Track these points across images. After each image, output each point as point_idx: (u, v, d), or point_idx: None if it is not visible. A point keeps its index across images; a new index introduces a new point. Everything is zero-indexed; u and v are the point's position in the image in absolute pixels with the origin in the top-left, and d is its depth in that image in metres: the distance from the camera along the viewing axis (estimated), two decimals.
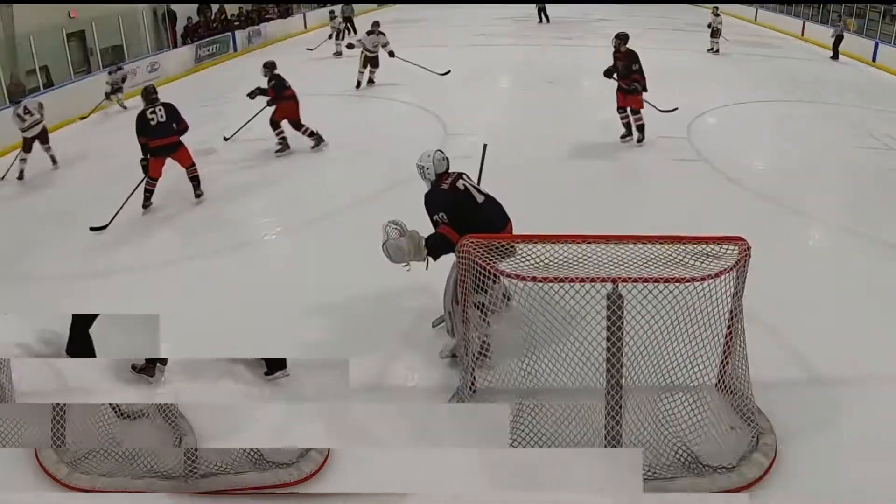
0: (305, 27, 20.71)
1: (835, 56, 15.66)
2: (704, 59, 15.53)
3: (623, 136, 8.86)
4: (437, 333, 4.68)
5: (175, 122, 6.91)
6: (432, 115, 10.25)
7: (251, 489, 3.41)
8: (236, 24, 17.65)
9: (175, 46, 15.32)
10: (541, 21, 21.50)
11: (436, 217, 4.22)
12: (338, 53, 15.87)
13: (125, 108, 11.50)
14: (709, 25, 16.28)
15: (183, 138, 7.02)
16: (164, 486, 3.42)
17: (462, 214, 4.20)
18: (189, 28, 15.94)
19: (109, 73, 11.62)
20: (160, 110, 6.82)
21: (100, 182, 8.05)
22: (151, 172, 6.91)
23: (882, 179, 7.73)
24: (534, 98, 11.49)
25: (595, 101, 10.78)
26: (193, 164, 7.17)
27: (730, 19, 23.87)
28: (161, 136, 6.80)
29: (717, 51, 16.11)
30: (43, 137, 8.39)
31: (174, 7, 15.66)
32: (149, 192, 6.98)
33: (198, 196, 7.20)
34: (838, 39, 15.61)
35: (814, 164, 8.25)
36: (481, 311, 3.88)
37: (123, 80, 11.76)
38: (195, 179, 7.20)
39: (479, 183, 4.74)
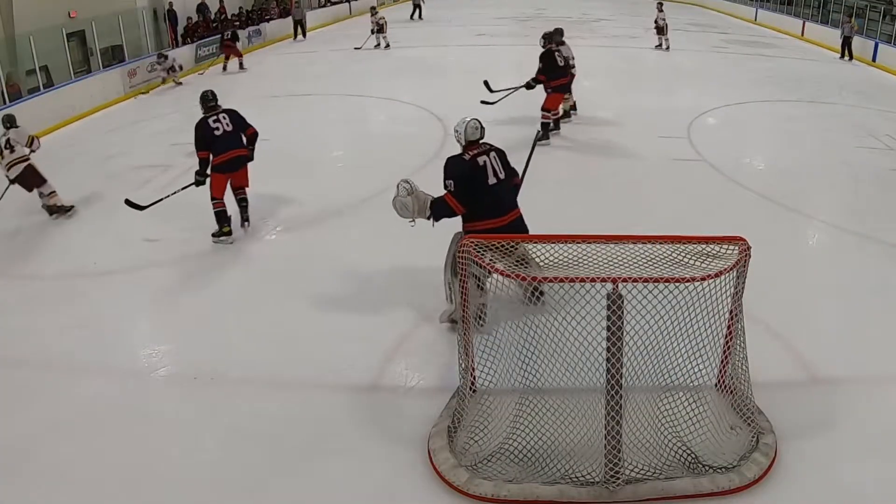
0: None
1: (848, 56, 15.61)
2: (704, 59, 15.54)
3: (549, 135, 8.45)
4: (436, 333, 4.68)
5: (242, 131, 6.03)
6: (432, 114, 10.24)
7: (684, 497, 3.14)
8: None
9: (175, 46, 15.31)
10: (412, 18, 22.32)
11: (446, 182, 4.40)
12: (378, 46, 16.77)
13: (180, 83, 13.67)
14: (655, 22, 16.28)
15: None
16: (579, 494, 3.14)
17: (472, 187, 4.37)
18: (189, 28, 15.93)
19: (159, 63, 13.52)
20: (224, 118, 5.90)
21: (99, 182, 8.05)
22: (215, 192, 5.98)
23: (882, 179, 7.72)
24: (534, 97, 11.47)
25: (595, 101, 10.79)
26: (245, 187, 6.29)
27: (730, 19, 23.93)
28: (226, 150, 5.88)
29: (668, 48, 16.04)
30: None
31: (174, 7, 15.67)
32: (222, 214, 6.01)
33: (245, 224, 6.35)
34: (846, 40, 15.60)
35: (814, 164, 8.25)
36: (477, 282, 3.97)
37: (172, 67, 13.61)
38: (243, 202, 6.30)
39: (526, 168, 5.00)
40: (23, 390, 4.25)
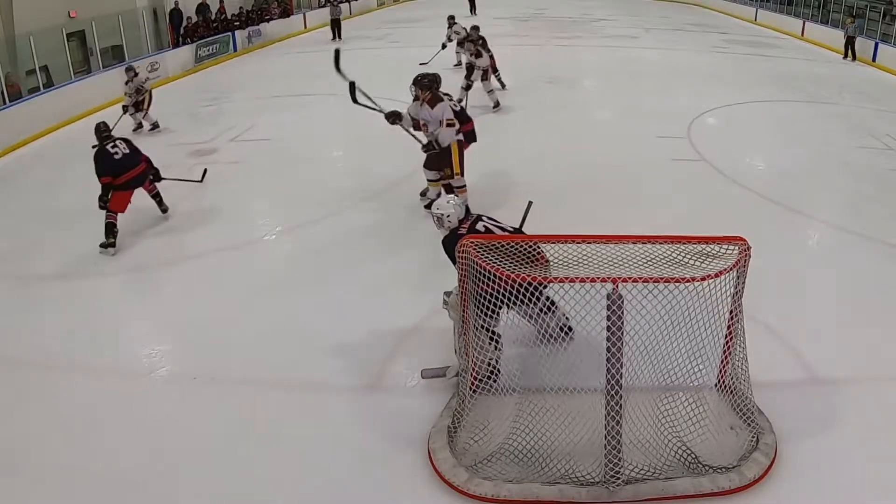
0: (305, 27, 20.71)
1: (851, 57, 15.60)
2: (705, 59, 15.51)
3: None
4: (435, 333, 4.67)
5: (137, 153, 6.46)
6: None
7: (684, 497, 3.14)
8: (236, 24, 17.64)
9: (175, 46, 15.31)
10: (472, 13, 22.40)
11: None
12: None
13: (157, 126, 10.07)
14: (449, 39, 13.64)
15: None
16: (579, 494, 3.15)
17: None
18: (189, 28, 15.93)
19: (127, 81, 9.77)
20: (121, 143, 6.37)
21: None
22: (117, 207, 6.23)
23: (882, 179, 7.72)
24: (533, 97, 11.48)
25: (594, 101, 10.81)
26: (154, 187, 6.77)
27: (730, 19, 23.93)
28: (129, 169, 6.32)
29: (461, 63, 12.77)
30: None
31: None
32: (112, 226, 6.17)
33: (164, 212, 6.83)
34: (850, 40, 15.60)
35: (814, 164, 8.25)
36: (492, 337, 3.90)
37: (140, 88, 9.81)
38: (157, 196, 6.80)
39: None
40: (23, 390, 4.26)
